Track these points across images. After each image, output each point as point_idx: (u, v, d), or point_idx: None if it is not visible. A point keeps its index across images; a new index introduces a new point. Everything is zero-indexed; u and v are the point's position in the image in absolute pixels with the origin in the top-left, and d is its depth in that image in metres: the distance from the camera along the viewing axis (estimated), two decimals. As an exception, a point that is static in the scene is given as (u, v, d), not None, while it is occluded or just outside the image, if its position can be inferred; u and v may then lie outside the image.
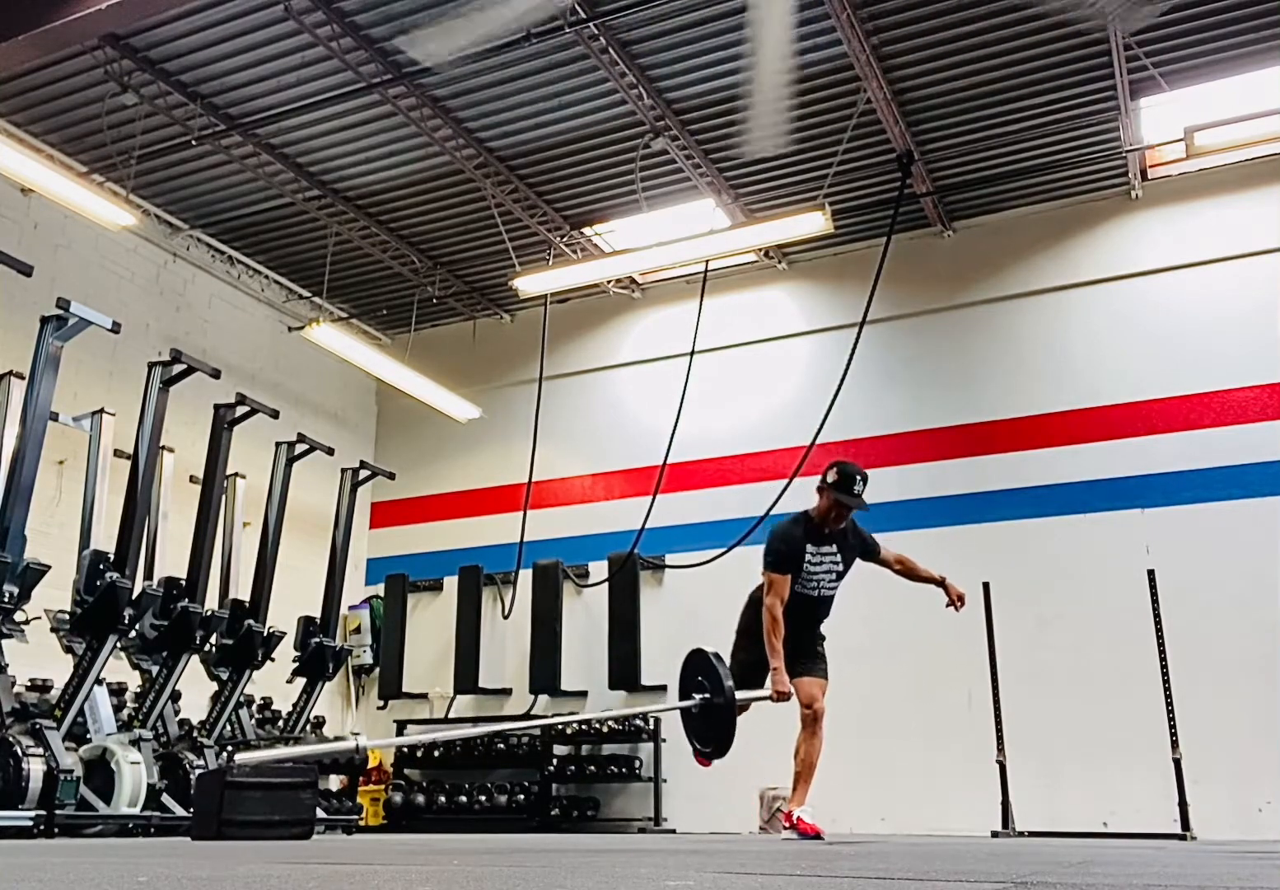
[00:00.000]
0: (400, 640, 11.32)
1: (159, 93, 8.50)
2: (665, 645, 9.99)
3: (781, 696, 5.32)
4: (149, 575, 8.06)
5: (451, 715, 10.96)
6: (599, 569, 10.74)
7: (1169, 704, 7.74)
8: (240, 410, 8.30)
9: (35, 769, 6.00)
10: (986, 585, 8.36)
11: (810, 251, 10.78)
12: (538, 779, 9.92)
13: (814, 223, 8.31)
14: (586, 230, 10.52)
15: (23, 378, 6.94)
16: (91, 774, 6.51)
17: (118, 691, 7.50)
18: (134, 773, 6.57)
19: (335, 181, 9.86)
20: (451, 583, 11.39)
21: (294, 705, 8.89)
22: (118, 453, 7.94)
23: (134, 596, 6.90)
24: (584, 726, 9.87)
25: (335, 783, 9.65)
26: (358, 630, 11.60)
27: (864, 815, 8.75)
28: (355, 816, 8.87)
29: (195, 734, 7.69)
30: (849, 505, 5.43)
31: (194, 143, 8.91)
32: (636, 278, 11.39)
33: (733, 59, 8.20)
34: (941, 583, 5.77)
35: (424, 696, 11.27)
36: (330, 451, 9.34)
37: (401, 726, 10.87)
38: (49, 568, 6.61)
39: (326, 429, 11.23)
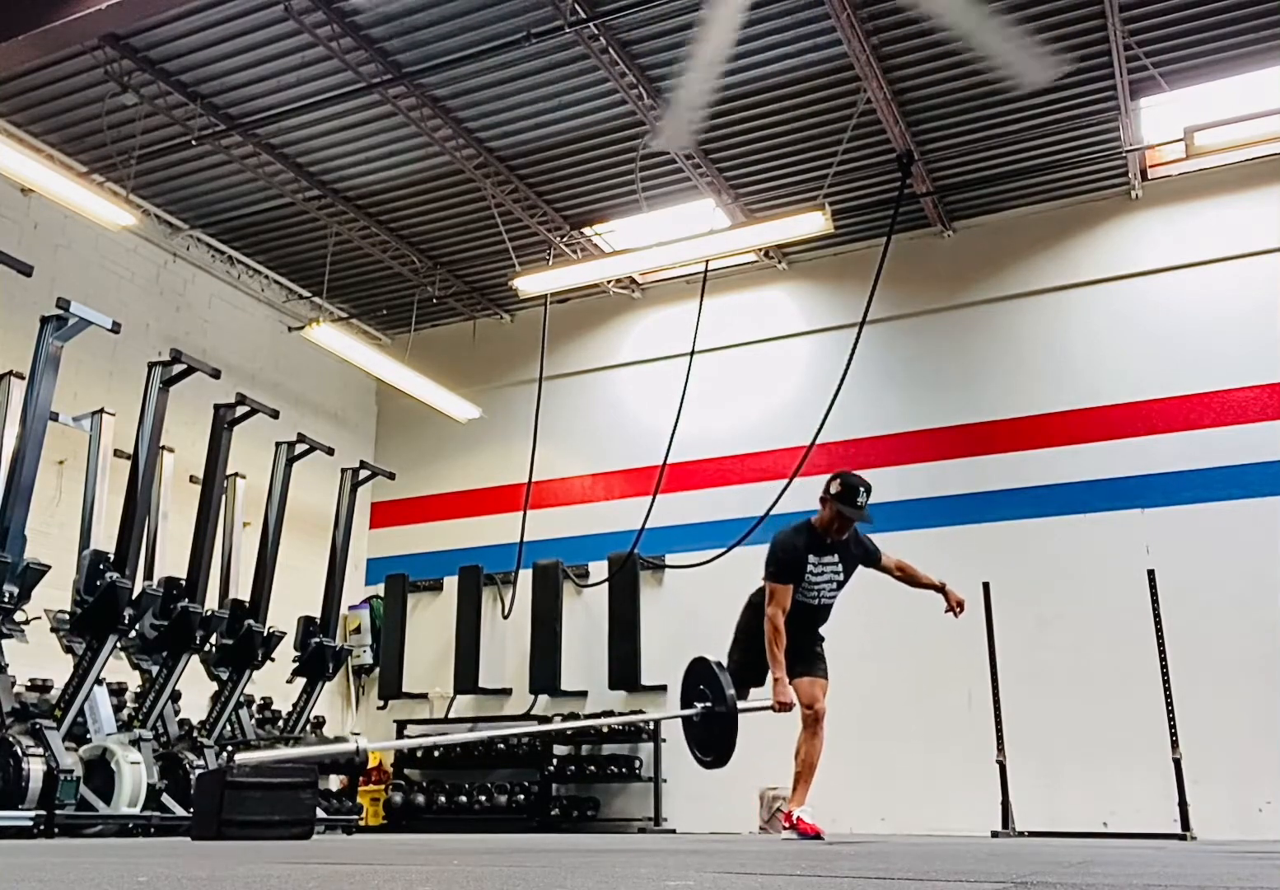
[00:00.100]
0: (400, 640, 11.32)
1: (159, 93, 8.50)
2: (665, 645, 10.01)
3: (783, 707, 5.36)
4: (149, 575, 8.06)
5: (451, 715, 10.95)
6: (599, 569, 10.74)
7: (1169, 704, 7.74)
8: (240, 410, 8.30)
9: (35, 769, 6.00)
10: (986, 585, 8.36)
11: (810, 251, 10.77)
12: (538, 779, 9.92)
13: (814, 223, 8.31)
14: (586, 230, 10.52)
15: (23, 378, 6.94)
16: (91, 774, 6.51)
17: (118, 691, 7.50)
18: (134, 773, 6.57)
19: (335, 181, 9.86)
20: (451, 583, 11.39)
21: (294, 705, 8.89)
22: (118, 453, 7.94)
23: (134, 596, 6.90)
24: (584, 732, 9.87)
25: (335, 783, 9.64)
26: (358, 630, 11.60)
27: (864, 815, 8.75)
28: (355, 816, 8.87)
29: (195, 734, 7.69)
30: (852, 517, 5.44)
31: (194, 143, 8.91)
32: (636, 278, 11.39)
33: (733, 59, 8.19)
34: (941, 589, 5.79)
35: (424, 696, 11.26)
36: (330, 451, 9.34)
37: (401, 726, 10.87)
38: (49, 568, 6.61)
39: (326, 429, 11.23)
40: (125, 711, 7.40)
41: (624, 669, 10.22)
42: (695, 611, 9.72)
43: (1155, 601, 8.05)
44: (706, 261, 9.88)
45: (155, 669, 7.52)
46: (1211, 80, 8.35)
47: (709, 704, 5.29)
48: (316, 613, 9.01)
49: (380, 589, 11.70)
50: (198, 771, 6.98)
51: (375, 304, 12.03)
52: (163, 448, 8.08)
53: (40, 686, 6.79)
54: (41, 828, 5.87)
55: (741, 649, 5.69)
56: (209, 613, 7.71)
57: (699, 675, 5.42)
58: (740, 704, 5.29)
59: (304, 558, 9.77)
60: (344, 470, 9.74)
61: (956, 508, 9.62)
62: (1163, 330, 9.43)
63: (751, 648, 5.54)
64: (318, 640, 8.79)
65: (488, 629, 11.01)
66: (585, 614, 10.74)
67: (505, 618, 10.88)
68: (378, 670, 11.45)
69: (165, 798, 6.88)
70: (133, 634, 7.26)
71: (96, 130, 8.91)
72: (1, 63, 6.77)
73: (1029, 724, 8.39)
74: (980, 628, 8.28)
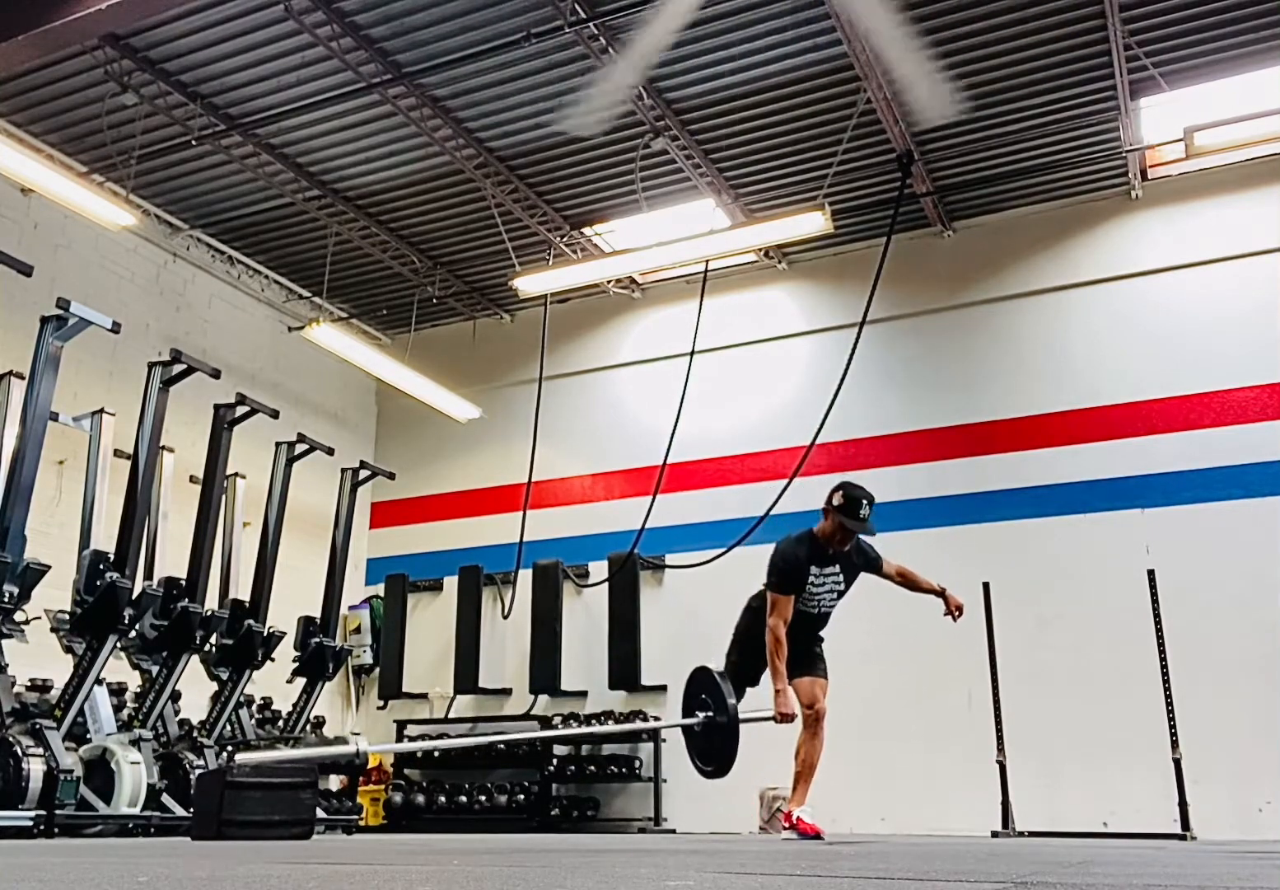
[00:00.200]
0: (400, 640, 11.32)
1: (159, 93, 8.50)
2: (665, 645, 10.01)
3: (785, 718, 5.36)
4: (149, 575, 8.06)
5: (451, 715, 10.95)
6: (599, 569, 10.73)
7: (1169, 704, 7.74)
8: (240, 410, 8.30)
9: (35, 769, 6.00)
10: (986, 585, 8.37)
11: (810, 251, 10.77)
12: (538, 779, 9.92)
13: (814, 223, 8.30)
14: (586, 230, 10.52)
15: (23, 378, 6.94)
16: (91, 774, 6.51)
17: (118, 691, 7.50)
18: (134, 773, 6.57)
19: (335, 181, 9.86)
20: (451, 583, 11.39)
21: (294, 705, 8.89)
22: (118, 453, 7.94)
23: (134, 596, 6.90)
24: (583, 737, 9.86)
25: (335, 782, 9.64)
26: (358, 630, 11.60)
27: (864, 815, 8.75)
28: (355, 816, 8.87)
29: (195, 734, 7.69)
30: (854, 529, 5.45)
31: (194, 143, 8.91)
32: (636, 278, 11.39)
33: (733, 59, 8.21)
34: (941, 593, 5.80)
35: (424, 696, 11.26)
36: (330, 451, 9.34)
37: (401, 726, 10.87)
38: (49, 568, 6.61)
39: (326, 429, 11.23)
40: (125, 711, 7.40)
41: (624, 669, 10.22)
42: (695, 611, 9.72)
43: (1155, 601, 8.04)
44: (706, 261, 9.88)
45: (155, 669, 7.52)
46: (1211, 80, 8.35)
47: (710, 714, 5.30)
48: (316, 613, 9.01)
49: (380, 589, 11.70)
50: (198, 771, 6.98)
51: (375, 304, 12.03)
52: (163, 448, 8.08)
53: (40, 686, 6.80)
54: (41, 828, 5.88)
55: (739, 650, 5.72)
56: (209, 613, 7.71)
57: (701, 684, 5.43)
58: (741, 714, 5.30)
59: (304, 558, 9.77)
60: (344, 470, 9.74)
61: (956, 508, 9.62)
62: (1163, 330, 9.43)
63: (748, 649, 5.57)
64: (318, 640, 8.80)
65: (488, 629, 11.01)
66: (585, 614, 10.74)
67: (505, 618, 10.88)
68: (378, 670, 11.45)
69: (165, 798, 6.88)
70: (133, 634, 7.26)
71: (96, 130, 8.91)
72: (1, 63, 6.77)
73: (1029, 724, 8.39)
74: (980, 628, 8.28)
